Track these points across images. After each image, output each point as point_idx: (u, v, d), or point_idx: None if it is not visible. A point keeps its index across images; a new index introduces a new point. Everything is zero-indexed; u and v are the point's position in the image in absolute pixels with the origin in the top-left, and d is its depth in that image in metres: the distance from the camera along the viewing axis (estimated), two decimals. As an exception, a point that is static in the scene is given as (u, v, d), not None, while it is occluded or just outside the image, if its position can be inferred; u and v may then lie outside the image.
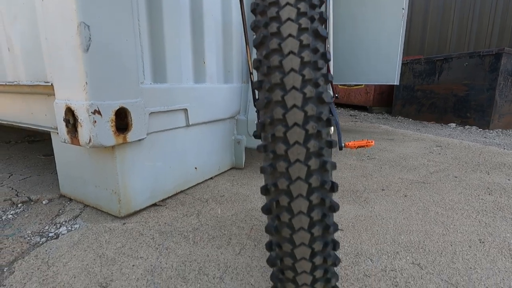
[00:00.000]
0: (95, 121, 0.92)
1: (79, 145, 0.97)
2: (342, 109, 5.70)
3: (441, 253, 0.91)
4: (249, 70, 0.90)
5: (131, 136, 1.03)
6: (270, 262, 0.39)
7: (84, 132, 0.93)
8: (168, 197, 1.30)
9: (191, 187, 1.42)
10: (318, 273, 0.36)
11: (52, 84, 1.01)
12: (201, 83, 1.39)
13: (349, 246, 0.94)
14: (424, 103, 3.99)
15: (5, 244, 0.94)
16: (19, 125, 1.33)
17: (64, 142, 1.01)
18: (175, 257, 0.88)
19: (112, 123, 0.97)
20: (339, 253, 0.91)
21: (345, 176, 1.63)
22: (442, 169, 1.76)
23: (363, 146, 1.20)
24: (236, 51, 1.60)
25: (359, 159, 1.98)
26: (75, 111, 0.94)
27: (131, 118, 1.03)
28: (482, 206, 1.24)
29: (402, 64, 4.26)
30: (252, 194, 1.35)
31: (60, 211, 1.17)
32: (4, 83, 1.18)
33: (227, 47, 1.54)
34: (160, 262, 0.85)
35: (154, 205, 1.22)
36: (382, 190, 1.43)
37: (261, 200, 1.28)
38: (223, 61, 1.54)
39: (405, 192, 1.40)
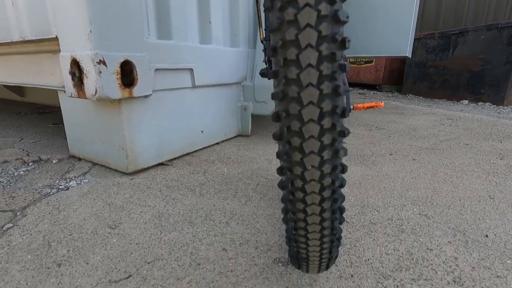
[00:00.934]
0: (100, 72, 0.91)
1: (85, 97, 0.97)
2: (350, 88, 5.59)
3: (449, 206, 0.90)
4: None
5: (137, 91, 1.03)
6: (279, 155, 0.38)
7: (89, 83, 0.93)
8: (175, 158, 1.30)
9: (198, 151, 1.43)
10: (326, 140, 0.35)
11: (57, 37, 1.00)
12: (207, 44, 1.36)
13: (355, 200, 0.94)
14: (436, 80, 3.87)
15: (18, 194, 0.96)
16: (27, 85, 1.34)
17: (71, 96, 1.01)
18: (182, 206, 0.89)
19: (117, 75, 0.96)
20: (345, 204, 0.91)
21: (353, 143, 1.61)
22: (452, 138, 1.72)
23: (372, 107, 1.17)
24: (242, 13, 1.55)
25: (367, 129, 1.95)
26: (80, 62, 0.93)
27: (136, 72, 1.02)
28: (493, 169, 1.22)
29: (414, 39, 4.11)
30: (259, 157, 1.35)
31: (70, 169, 1.19)
32: (10, 40, 1.17)
33: (233, 7, 1.50)
34: (167, 210, 0.86)
35: (161, 164, 1.23)
36: (390, 154, 1.41)
37: (267, 162, 1.28)
38: (230, 23, 1.50)
39: (414, 157, 1.37)
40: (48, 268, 0.62)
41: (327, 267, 0.52)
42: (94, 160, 1.23)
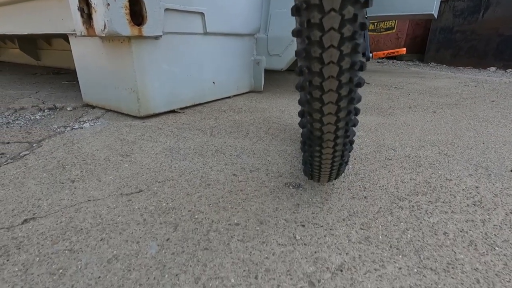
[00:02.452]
0: (109, 4, 0.88)
1: (95, 34, 0.95)
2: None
3: (471, 148, 0.85)
4: None
5: (146, 29, 1.00)
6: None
7: (98, 17, 0.90)
8: (186, 107, 1.29)
9: (209, 102, 1.41)
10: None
11: (64, -30, 0.96)
12: (219, -12, 1.29)
13: (371, 141, 0.91)
14: (462, 46, 3.62)
15: (34, 131, 0.98)
16: (39, 33, 1.33)
17: (81, 34, 1.00)
18: (192, 142, 0.89)
19: (126, 10, 0.93)
20: (358, 143, 0.88)
21: (370, 99, 1.55)
22: (477, 96, 1.62)
23: (393, 53, 1.09)
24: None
25: (385, 89, 1.86)
26: (88, -6, 0.90)
27: (145, 9, 0.98)
28: (521, 120, 1.14)
29: (441, 2, 3.81)
30: (271, 108, 1.32)
31: (83, 114, 1.20)
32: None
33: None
34: (178, 145, 0.86)
35: (172, 112, 1.22)
36: (409, 108, 1.34)
37: (280, 112, 1.24)
38: (242, -33, 1.42)
39: (435, 110, 1.31)
40: (62, 183, 0.63)
41: (336, 177, 0.56)
42: (107, 107, 1.23)
